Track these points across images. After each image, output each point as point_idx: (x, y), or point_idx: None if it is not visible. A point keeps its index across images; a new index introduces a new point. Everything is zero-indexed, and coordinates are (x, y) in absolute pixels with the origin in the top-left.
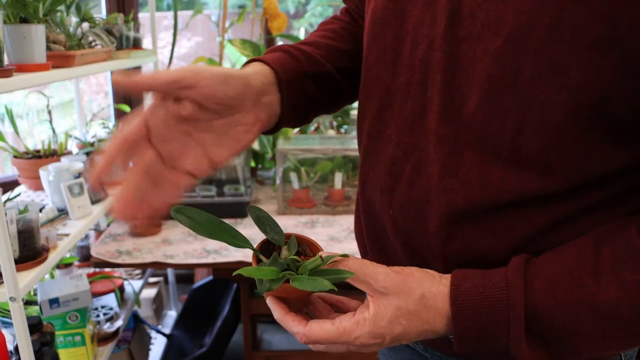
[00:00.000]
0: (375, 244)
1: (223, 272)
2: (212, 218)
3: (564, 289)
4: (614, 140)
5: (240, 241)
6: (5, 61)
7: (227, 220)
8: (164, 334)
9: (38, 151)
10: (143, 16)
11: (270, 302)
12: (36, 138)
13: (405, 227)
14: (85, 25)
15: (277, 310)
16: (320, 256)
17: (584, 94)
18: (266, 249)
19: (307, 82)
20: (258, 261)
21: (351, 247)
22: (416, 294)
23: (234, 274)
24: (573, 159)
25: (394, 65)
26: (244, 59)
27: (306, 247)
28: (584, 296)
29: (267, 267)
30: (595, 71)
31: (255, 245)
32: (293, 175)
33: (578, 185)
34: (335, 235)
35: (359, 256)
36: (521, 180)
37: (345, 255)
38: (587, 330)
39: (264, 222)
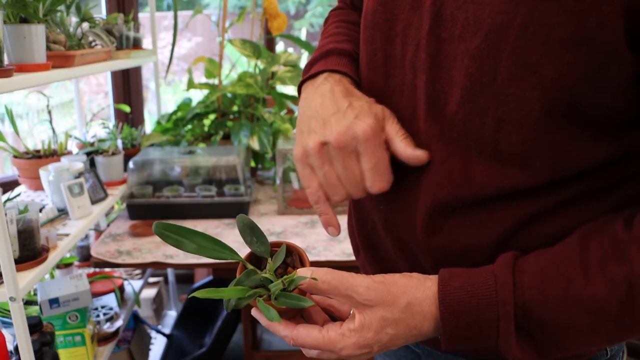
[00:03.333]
0: (367, 241)
1: (223, 272)
2: (197, 233)
3: (551, 284)
4: (591, 135)
5: (226, 253)
6: (5, 61)
7: (226, 221)
8: (164, 334)
9: (38, 151)
10: (143, 16)
11: (256, 313)
12: (36, 138)
13: (394, 222)
14: (85, 25)
15: (263, 318)
16: (283, 281)
17: (557, 91)
18: (255, 258)
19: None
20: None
21: (351, 247)
22: (401, 303)
23: (189, 296)
24: (552, 153)
25: (386, 66)
26: (244, 59)
27: (296, 257)
28: (572, 290)
29: (229, 289)
30: (566, 69)
31: (244, 256)
32: (293, 175)
33: (558, 179)
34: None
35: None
36: (503, 175)
37: (314, 279)
38: (576, 325)
39: (250, 232)
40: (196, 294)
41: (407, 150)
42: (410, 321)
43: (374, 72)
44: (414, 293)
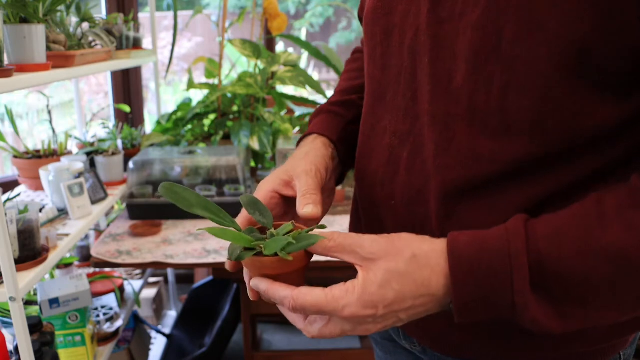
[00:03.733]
0: None
1: (223, 272)
2: (199, 196)
3: (567, 235)
4: (600, 93)
5: (225, 220)
6: (5, 61)
7: None
8: (164, 334)
9: (38, 151)
10: (143, 16)
11: (255, 281)
12: (36, 138)
13: (406, 217)
14: (85, 25)
15: (262, 283)
16: (293, 223)
17: (564, 45)
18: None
19: (354, 127)
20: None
21: None
22: (406, 254)
23: (197, 229)
24: (561, 115)
25: (383, 59)
26: (244, 59)
27: None
28: (589, 239)
29: (235, 232)
30: (570, 21)
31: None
32: None
33: (569, 149)
34: None
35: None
36: (511, 148)
37: (321, 227)
38: (596, 277)
39: (254, 206)
40: (205, 229)
41: (301, 212)
42: (417, 275)
43: (374, 67)
44: (420, 245)
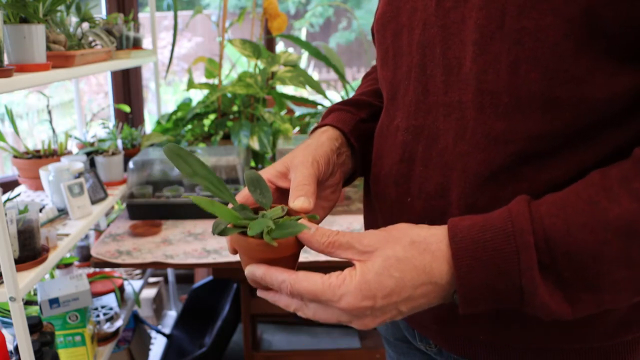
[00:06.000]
0: None
1: (223, 272)
2: (203, 165)
3: (573, 209)
4: (612, 63)
5: (224, 194)
6: (5, 61)
7: None
8: (164, 334)
9: (38, 151)
10: (143, 16)
11: (251, 267)
12: (36, 138)
13: (424, 213)
14: (85, 25)
15: (258, 268)
16: (282, 207)
17: (569, 13)
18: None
19: (367, 125)
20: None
21: None
22: (405, 241)
23: (184, 195)
24: (572, 87)
25: (395, 59)
26: (244, 59)
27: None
28: (597, 213)
29: (223, 207)
30: None
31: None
32: None
33: (585, 126)
34: None
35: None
36: (525, 126)
37: (313, 217)
38: (606, 254)
39: (257, 184)
40: (193, 198)
41: (292, 204)
42: (417, 261)
43: (386, 70)
44: (418, 231)
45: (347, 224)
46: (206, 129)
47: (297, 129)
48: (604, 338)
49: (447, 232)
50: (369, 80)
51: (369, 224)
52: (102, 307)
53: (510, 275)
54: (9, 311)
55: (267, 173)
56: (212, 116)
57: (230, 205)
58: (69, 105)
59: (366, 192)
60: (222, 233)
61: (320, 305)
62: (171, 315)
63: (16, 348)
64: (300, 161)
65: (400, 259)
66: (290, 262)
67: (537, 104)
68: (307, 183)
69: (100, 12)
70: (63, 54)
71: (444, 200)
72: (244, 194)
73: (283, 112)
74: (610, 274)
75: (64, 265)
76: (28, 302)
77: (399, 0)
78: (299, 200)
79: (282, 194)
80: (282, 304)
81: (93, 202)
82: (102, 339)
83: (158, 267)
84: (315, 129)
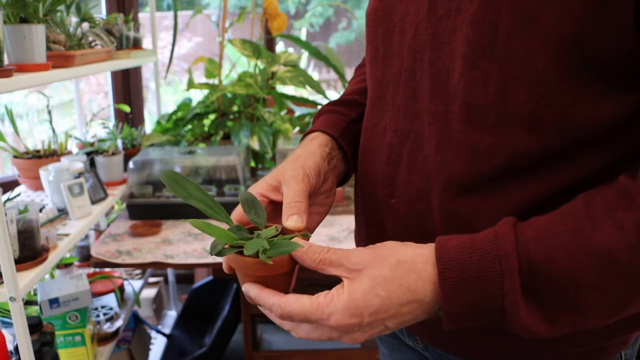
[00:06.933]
0: (372, 242)
1: (223, 272)
2: (198, 188)
3: (557, 235)
4: (598, 88)
5: (220, 215)
6: (5, 61)
7: None
8: (164, 334)
9: (38, 151)
10: (143, 16)
11: (247, 286)
12: (36, 138)
13: (406, 216)
14: (85, 25)
15: (253, 289)
16: (276, 227)
17: (558, 39)
18: (249, 233)
19: (358, 125)
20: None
21: (351, 247)
22: (391, 260)
23: (182, 220)
24: (559, 108)
25: (385, 59)
26: (244, 59)
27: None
28: (580, 240)
29: (220, 228)
30: (564, 14)
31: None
32: None
33: (570, 146)
34: (335, 235)
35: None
36: (511, 143)
37: (306, 236)
38: (586, 280)
39: (251, 204)
40: (189, 221)
41: (285, 223)
42: (403, 280)
43: (375, 68)
44: (404, 250)
45: (347, 223)
46: (206, 129)
47: (297, 129)
48: (582, 344)
49: (434, 252)
50: (361, 74)
51: (356, 235)
52: (102, 307)
53: (493, 297)
54: (9, 311)
55: (260, 187)
56: (212, 116)
57: (226, 226)
58: (69, 105)
59: (356, 189)
60: (219, 254)
61: (311, 325)
62: (171, 315)
63: (16, 348)
64: (292, 176)
65: (387, 278)
66: (287, 278)
67: (524, 123)
68: (299, 200)
69: (100, 12)
70: (63, 54)
71: (425, 205)
72: (239, 213)
73: (283, 112)
74: (589, 298)
75: (64, 265)
76: (28, 302)
77: None
78: (292, 220)
79: (276, 207)
80: (277, 323)
81: (93, 202)
82: (102, 339)
83: (158, 267)
84: (306, 134)
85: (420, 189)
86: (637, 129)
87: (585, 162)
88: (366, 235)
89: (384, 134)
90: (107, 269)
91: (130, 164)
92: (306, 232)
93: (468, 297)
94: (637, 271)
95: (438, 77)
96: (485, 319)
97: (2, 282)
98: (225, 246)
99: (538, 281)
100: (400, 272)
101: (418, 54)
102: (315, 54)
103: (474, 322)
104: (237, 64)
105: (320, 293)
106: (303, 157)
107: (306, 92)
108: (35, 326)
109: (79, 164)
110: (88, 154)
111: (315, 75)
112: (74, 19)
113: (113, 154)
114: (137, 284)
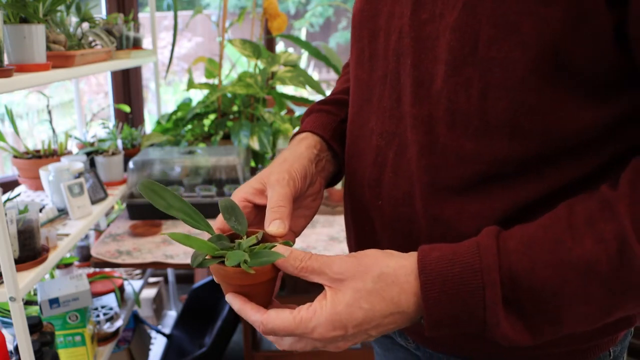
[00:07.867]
0: (362, 243)
1: None
2: (177, 198)
3: (539, 247)
4: (579, 97)
5: (201, 224)
6: (5, 61)
7: None
8: (164, 334)
9: (38, 151)
10: (143, 16)
11: (230, 297)
12: (36, 138)
13: (393, 218)
14: (85, 25)
15: (236, 302)
16: (257, 236)
17: (538, 48)
18: (230, 240)
19: (346, 126)
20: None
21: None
22: (374, 272)
23: (161, 233)
24: (540, 117)
25: (371, 61)
26: (244, 59)
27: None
28: (561, 252)
29: (200, 240)
30: (543, 24)
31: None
32: None
33: (553, 153)
34: (335, 235)
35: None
36: (493, 149)
37: (287, 243)
38: (567, 292)
39: (231, 211)
40: (169, 234)
41: (267, 229)
42: (386, 293)
43: (361, 70)
44: (387, 262)
45: None
46: (206, 129)
47: (297, 128)
48: (571, 344)
49: (417, 264)
50: (347, 73)
51: (347, 235)
52: (102, 307)
53: (474, 309)
54: (9, 311)
55: (243, 191)
56: (212, 116)
57: (207, 236)
58: (69, 105)
59: (345, 191)
60: (200, 265)
61: (294, 338)
62: (171, 315)
63: (16, 348)
64: (276, 179)
65: (370, 291)
66: (269, 286)
67: (505, 131)
68: (283, 204)
69: (100, 12)
70: (63, 54)
71: (410, 209)
72: (221, 221)
73: (283, 112)
74: (569, 308)
75: (64, 265)
76: (28, 302)
77: (377, 0)
78: (274, 225)
79: (260, 211)
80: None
81: (93, 202)
82: (102, 339)
83: (158, 267)
84: (296, 134)
85: (405, 191)
86: (619, 136)
87: (567, 169)
88: (355, 235)
89: (371, 136)
90: (107, 269)
91: (130, 164)
92: (289, 237)
93: (450, 308)
94: (617, 282)
95: (421, 81)
96: (467, 328)
97: (2, 282)
98: (207, 257)
99: (519, 293)
100: (383, 285)
101: (402, 57)
102: (315, 54)
103: (456, 330)
104: (237, 64)
105: (302, 306)
106: (290, 160)
107: (306, 92)
108: (35, 326)
109: (79, 164)
110: (88, 154)
111: (315, 75)
112: (74, 19)
113: (113, 154)
114: (137, 284)
